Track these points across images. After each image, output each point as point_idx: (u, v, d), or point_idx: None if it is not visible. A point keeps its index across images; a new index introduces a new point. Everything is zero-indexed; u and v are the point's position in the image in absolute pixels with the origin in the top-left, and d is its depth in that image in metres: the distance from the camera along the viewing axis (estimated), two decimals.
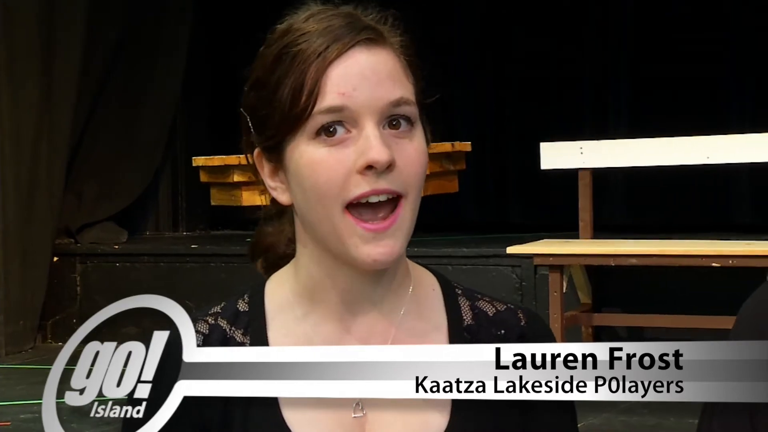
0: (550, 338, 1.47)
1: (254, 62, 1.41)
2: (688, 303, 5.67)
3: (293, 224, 1.44)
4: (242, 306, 1.44)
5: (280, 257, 1.47)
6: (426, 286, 1.46)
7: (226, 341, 1.41)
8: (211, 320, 1.43)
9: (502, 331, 1.44)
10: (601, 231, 6.12)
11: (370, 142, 1.32)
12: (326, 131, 1.33)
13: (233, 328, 1.42)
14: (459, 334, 1.43)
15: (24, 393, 5.49)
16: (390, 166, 1.32)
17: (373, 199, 1.33)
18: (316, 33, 1.35)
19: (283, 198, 1.40)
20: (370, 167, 1.32)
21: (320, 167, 1.33)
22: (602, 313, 5.87)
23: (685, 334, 5.71)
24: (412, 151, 1.35)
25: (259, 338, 1.41)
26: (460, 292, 1.48)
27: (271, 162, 1.39)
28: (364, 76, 1.33)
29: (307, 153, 1.34)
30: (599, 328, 5.93)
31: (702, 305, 5.50)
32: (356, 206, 1.34)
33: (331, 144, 1.33)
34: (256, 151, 1.41)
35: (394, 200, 1.35)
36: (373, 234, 1.33)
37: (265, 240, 1.49)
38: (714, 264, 5.31)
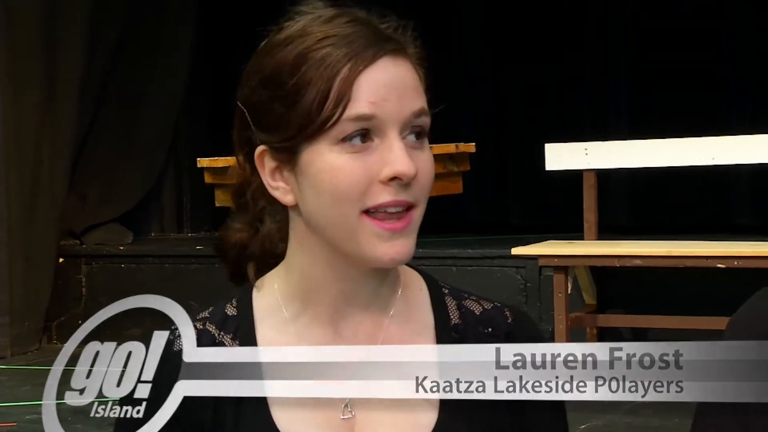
0: (537, 336, 1.47)
1: (261, 58, 1.39)
2: (693, 304, 5.66)
3: (285, 224, 1.43)
4: (230, 310, 1.45)
5: (273, 256, 1.46)
6: (414, 287, 1.46)
7: (215, 346, 1.41)
8: (199, 325, 1.43)
9: (489, 329, 1.44)
10: (603, 231, 6.11)
11: (396, 153, 1.33)
12: (350, 138, 1.33)
13: (222, 333, 1.42)
14: (446, 333, 1.43)
15: (29, 394, 5.50)
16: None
17: (391, 210, 1.34)
18: (342, 38, 1.34)
19: (287, 198, 1.39)
20: (394, 178, 1.33)
21: (342, 173, 1.33)
22: (607, 315, 5.87)
23: (690, 335, 5.71)
24: (426, 163, 1.36)
25: (248, 342, 1.41)
26: (446, 291, 1.48)
27: (277, 161, 1.38)
28: (392, 86, 1.34)
29: (328, 158, 1.33)
30: (603, 330, 5.93)
31: (706, 306, 5.49)
32: (372, 210, 1.34)
33: (354, 151, 1.33)
34: (259, 149, 1.39)
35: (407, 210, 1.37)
36: (391, 233, 1.33)
37: (236, 237, 1.48)
38: (719, 265, 5.31)
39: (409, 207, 1.35)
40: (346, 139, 1.33)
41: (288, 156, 1.37)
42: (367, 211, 1.34)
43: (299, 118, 1.34)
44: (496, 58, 7.95)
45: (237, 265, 1.49)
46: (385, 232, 1.33)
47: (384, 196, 1.33)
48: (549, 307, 5.69)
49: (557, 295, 5.53)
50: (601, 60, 7.70)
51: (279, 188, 1.39)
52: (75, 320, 6.88)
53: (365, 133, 1.33)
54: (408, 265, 1.47)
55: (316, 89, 1.33)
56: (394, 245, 1.34)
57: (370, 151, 1.33)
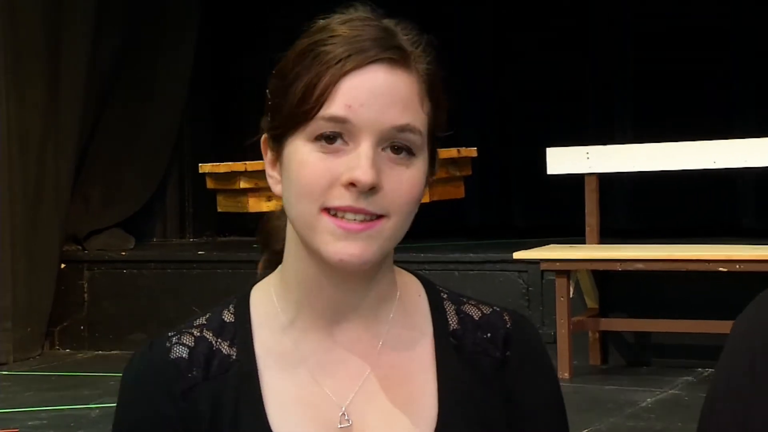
0: (535, 340, 1.46)
1: (288, 50, 1.39)
2: (695, 308, 5.66)
3: None
4: (228, 317, 1.43)
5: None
6: (412, 293, 1.45)
7: (212, 353, 1.40)
8: (196, 332, 1.42)
9: (488, 335, 1.43)
10: (605, 235, 6.12)
11: (359, 160, 1.31)
12: (326, 138, 1.32)
13: (219, 340, 1.41)
14: (445, 339, 1.42)
15: (31, 399, 5.49)
16: (374, 189, 1.31)
17: (350, 217, 1.32)
18: (344, 39, 1.33)
19: (276, 189, 1.39)
20: (353, 185, 1.31)
21: (309, 169, 1.32)
22: (609, 318, 5.87)
23: (692, 338, 5.71)
24: (404, 180, 1.33)
25: (246, 349, 1.40)
26: (445, 296, 1.46)
27: (273, 151, 1.39)
28: (375, 94, 1.32)
29: (301, 153, 1.33)
30: (606, 333, 5.92)
31: (709, 310, 5.49)
32: (332, 211, 1.33)
33: (326, 151, 1.32)
34: (264, 136, 1.41)
35: (375, 218, 1.34)
36: (345, 233, 1.31)
37: (272, 224, 1.48)
38: (721, 269, 5.31)
39: (378, 217, 1.32)
40: (320, 137, 1.32)
41: (277, 146, 1.37)
42: (328, 210, 1.32)
43: (287, 108, 1.34)
44: (498, 62, 7.96)
45: (274, 253, 1.47)
46: (339, 230, 1.31)
47: (343, 199, 1.31)
48: (551, 311, 5.69)
49: (559, 299, 5.53)
50: (604, 63, 7.70)
51: (272, 177, 1.39)
52: (77, 326, 6.88)
53: (337, 136, 1.32)
54: (406, 269, 1.46)
55: (304, 83, 1.33)
56: (347, 246, 1.31)
57: (340, 153, 1.32)
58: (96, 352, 6.70)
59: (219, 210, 6.98)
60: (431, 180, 1.41)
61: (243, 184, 6.55)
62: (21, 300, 6.62)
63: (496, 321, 1.44)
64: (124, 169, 7.50)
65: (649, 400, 5.14)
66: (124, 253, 7.07)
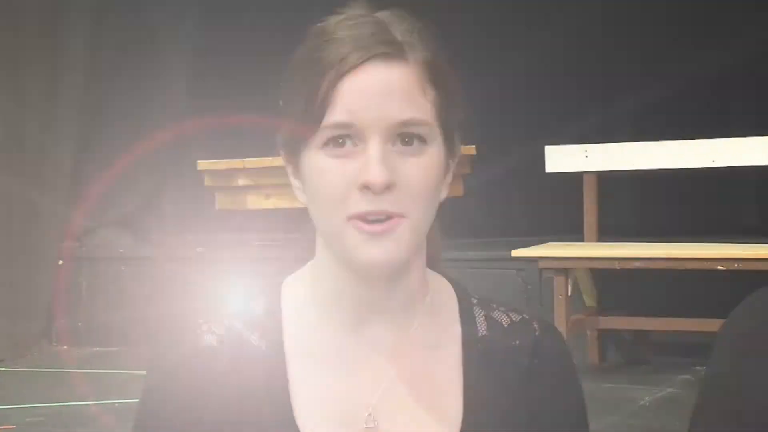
0: (563, 350, 1.47)
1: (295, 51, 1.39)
2: (694, 306, 5.66)
3: None
4: (258, 308, 1.44)
5: None
6: (442, 295, 1.46)
7: (242, 344, 1.40)
8: (226, 321, 1.42)
9: (517, 342, 1.44)
10: (605, 234, 6.11)
11: (370, 161, 1.31)
12: (335, 142, 1.32)
13: (249, 331, 1.41)
14: (473, 345, 1.43)
15: (29, 396, 5.49)
16: (389, 187, 1.31)
17: (371, 218, 1.32)
18: (338, 40, 1.33)
19: (302, 198, 1.39)
20: (367, 187, 1.31)
21: (325, 178, 1.33)
22: (607, 317, 5.87)
23: (690, 336, 5.71)
24: (418, 171, 1.33)
25: (275, 343, 1.40)
26: (475, 301, 1.47)
27: (291, 163, 1.39)
28: (374, 93, 1.32)
29: (315, 161, 1.33)
30: (604, 332, 5.92)
31: (707, 308, 5.48)
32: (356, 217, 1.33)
33: (338, 155, 1.32)
34: (282, 152, 1.40)
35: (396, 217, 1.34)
36: (371, 235, 1.32)
37: None
38: (719, 267, 5.31)
39: (398, 215, 1.32)
40: (329, 142, 1.32)
41: (294, 157, 1.37)
42: (352, 217, 1.32)
43: (293, 121, 1.35)
44: (498, 60, 7.95)
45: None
46: (364, 234, 1.31)
47: (362, 204, 1.31)
48: (549, 309, 5.69)
49: (557, 297, 5.53)
50: (604, 61, 7.70)
51: (296, 186, 1.40)
52: (75, 322, 6.88)
53: (346, 139, 1.32)
54: (438, 271, 1.47)
55: (305, 93, 1.33)
56: (375, 247, 1.31)
57: (353, 156, 1.32)
58: (94, 349, 6.70)
59: (217, 207, 6.98)
60: (453, 165, 1.40)
61: (242, 182, 6.55)
62: (19, 296, 6.62)
63: (525, 328, 1.45)
64: (123, 167, 7.49)
65: (647, 398, 5.14)
66: (122, 250, 7.07)
